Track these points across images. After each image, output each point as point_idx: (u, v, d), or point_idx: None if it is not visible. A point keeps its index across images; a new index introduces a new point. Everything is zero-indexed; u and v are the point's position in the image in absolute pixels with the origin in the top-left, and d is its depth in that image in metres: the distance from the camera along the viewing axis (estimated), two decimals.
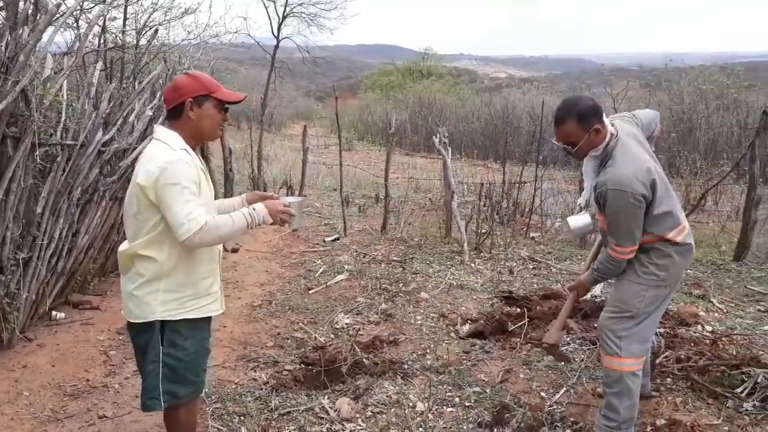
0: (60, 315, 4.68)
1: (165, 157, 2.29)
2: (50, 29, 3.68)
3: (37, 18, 3.60)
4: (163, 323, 2.43)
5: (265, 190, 10.98)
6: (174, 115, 2.43)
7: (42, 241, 4.27)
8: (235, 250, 7.21)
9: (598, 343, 3.14)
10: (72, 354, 4.14)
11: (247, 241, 7.74)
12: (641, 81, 19.13)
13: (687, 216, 7.22)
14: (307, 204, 2.83)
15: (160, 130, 2.44)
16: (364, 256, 6.68)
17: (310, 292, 5.58)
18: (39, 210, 4.22)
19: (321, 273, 6.13)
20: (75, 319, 4.71)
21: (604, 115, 2.82)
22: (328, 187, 12.33)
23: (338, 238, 7.60)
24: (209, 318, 2.61)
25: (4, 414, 3.34)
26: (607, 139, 2.80)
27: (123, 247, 2.49)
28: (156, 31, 5.87)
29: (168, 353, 2.45)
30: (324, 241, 7.52)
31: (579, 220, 3.03)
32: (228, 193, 8.28)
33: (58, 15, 3.63)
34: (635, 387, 2.90)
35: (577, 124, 2.77)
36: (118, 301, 5.19)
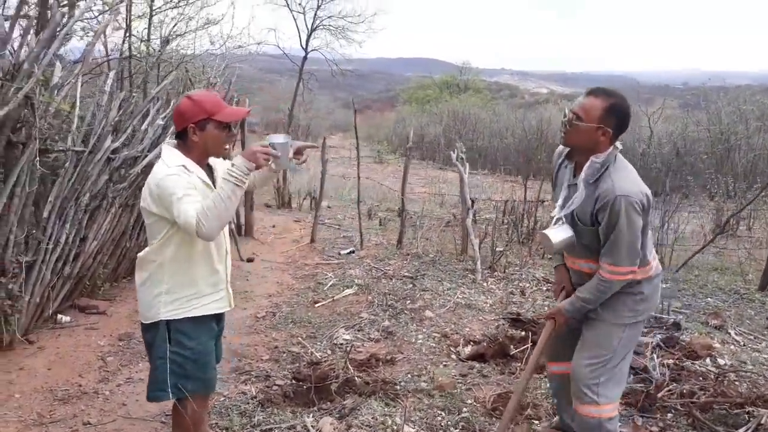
0: (65, 318, 4.74)
1: (160, 174, 2.46)
2: (59, 38, 3.75)
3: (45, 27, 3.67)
4: (169, 323, 2.58)
5: (289, 201, 11.08)
6: (182, 137, 2.58)
7: (47, 245, 4.33)
8: (250, 260, 7.23)
9: (572, 390, 2.83)
10: (70, 358, 4.17)
11: (264, 251, 7.77)
12: (680, 100, 18.66)
13: (713, 240, 6.94)
14: (298, 145, 2.73)
15: (164, 149, 2.60)
16: (376, 271, 6.62)
17: (316, 305, 5.54)
18: (45, 214, 4.29)
19: (330, 286, 6.09)
20: (80, 323, 4.77)
21: (623, 133, 2.64)
22: (354, 199, 12.30)
23: (354, 251, 7.56)
24: (217, 315, 2.74)
25: None
26: (609, 150, 2.60)
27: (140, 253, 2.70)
28: (166, 41, 5.95)
29: (175, 351, 2.59)
30: (339, 254, 7.48)
31: (561, 233, 2.73)
32: (248, 203, 8.34)
33: (62, 25, 3.69)
34: (615, 429, 2.75)
35: (602, 111, 2.53)
36: (125, 307, 5.24)
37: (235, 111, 2.68)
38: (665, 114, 16.50)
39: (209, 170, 2.66)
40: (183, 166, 2.49)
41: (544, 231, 2.79)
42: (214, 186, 2.61)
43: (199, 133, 2.51)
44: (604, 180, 2.56)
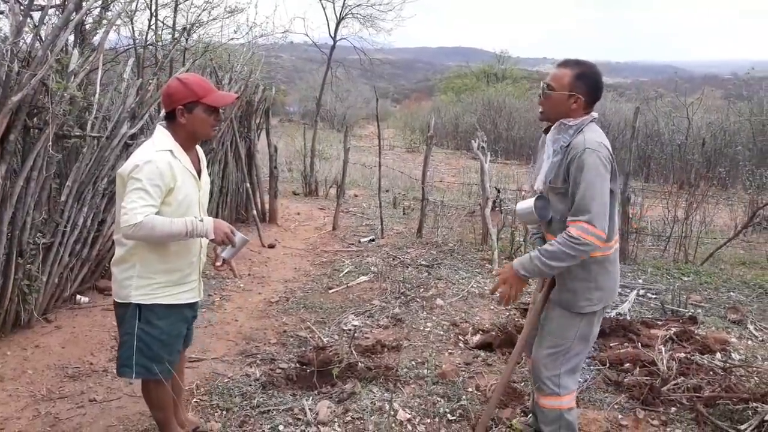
0: (84, 299, 4.89)
1: (143, 155, 2.47)
2: (70, 26, 3.84)
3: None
4: (140, 305, 2.60)
5: (316, 189, 11.15)
6: (170, 118, 2.61)
7: (65, 227, 4.47)
8: (271, 246, 7.32)
9: (533, 383, 2.83)
10: (84, 337, 4.31)
11: (287, 237, 7.86)
12: (723, 90, 18.04)
13: (739, 233, 6.72)
14: (247, 246, 3.06)
15: (157, 129, 2.62)
16: (393, 259, 6.63)
17: (330, 291, 5.58)
18: (63, 198, 4.42)
19: (346, 273, 6.12)
20: (98, 303, 4.90)
21: (596, 101, 2.62)
22: (381, 188, 12.29)
23: (374, 239, 7.57)
24: (189, 303, 2.78)
25: (5, 390, 3.51)
26: (584, 118, 2.59)
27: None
28: (184, 30, 6.04)
29: (142, 329, 2.62)
30: (359, 242, 7.51)
31: (524, 203, 2.71)
32: (272, 189, 8.41)
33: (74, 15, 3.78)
34: (574, 420, 2.74)
35: (571, 77, 2.56)
36: None
37: (224, 96, 2.69)
38: (707, 104, 15.98)
39: (197, 158, 2.70)
40: (170, 151, 2.52)
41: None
42: (199, 176, 2.66)
43: (187, 116, 2.54)
44: (576, 138, 2.54)
